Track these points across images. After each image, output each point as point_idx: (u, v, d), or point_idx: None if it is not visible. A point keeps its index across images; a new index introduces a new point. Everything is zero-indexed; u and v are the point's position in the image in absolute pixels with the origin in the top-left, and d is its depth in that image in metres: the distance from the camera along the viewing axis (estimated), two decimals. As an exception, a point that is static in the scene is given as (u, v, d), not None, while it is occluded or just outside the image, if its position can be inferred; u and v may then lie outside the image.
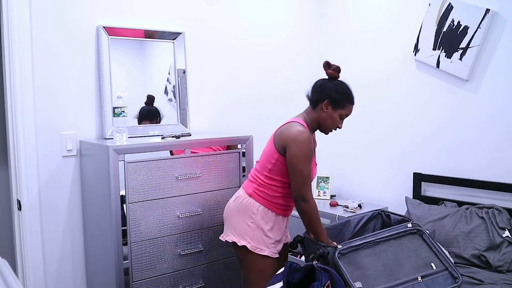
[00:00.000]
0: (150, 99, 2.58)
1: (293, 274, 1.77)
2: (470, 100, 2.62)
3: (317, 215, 1.94)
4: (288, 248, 2.19)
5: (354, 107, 2.05)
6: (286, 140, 1.93)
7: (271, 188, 1.99)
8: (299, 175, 1.90)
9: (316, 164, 2.11)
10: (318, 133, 2.11)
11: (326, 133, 2.08)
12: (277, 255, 2.03)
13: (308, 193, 1.92)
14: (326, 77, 2.04)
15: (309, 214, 1.93)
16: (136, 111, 2.53)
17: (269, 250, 2.00)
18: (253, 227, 1.99)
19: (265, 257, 1.99)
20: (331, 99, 1.98)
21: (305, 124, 1.99)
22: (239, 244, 2.00)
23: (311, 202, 1.92)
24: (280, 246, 2.06)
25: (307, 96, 2.06)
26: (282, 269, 1.79)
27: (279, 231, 2.04)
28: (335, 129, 2.05)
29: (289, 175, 1.94)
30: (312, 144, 1.97)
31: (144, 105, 2.56)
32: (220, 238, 2.13)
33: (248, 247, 1.98)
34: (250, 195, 2.02)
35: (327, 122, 2.01)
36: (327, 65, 2.04)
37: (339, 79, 2.03)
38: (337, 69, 2.03)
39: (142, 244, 2.13)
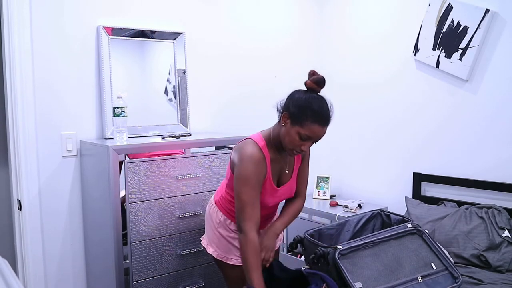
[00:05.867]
0: None
1: (280, 270, 1.77)
2: (470, 100, 2.62)
3: (251, 255, 1.66)
4: (277, 256, 2.10)
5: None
6: (234, 161, 1.76)
7: (230, 202, 1.85)
8: (237, 199, 1.71)
9: (274, 186, 1.82)
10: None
11: (289, 154, 1.77)
12: None
13: (245, 224, 1.68)
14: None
15: (242, 248, 1.69)
16: (136, 111, 2.52)
17: (238, 258, 1.87)
18: (218, 235, 1.90)
19: (235, 266, 1.88)
20: (289, 111, 1.67)
21: (263, 143, 1.76)
22: (208, 251, 1.94)
23: (247, 235, 1.67)
24: None
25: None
26: None
27: None
28: (299, 152, 1.71)
29: None
30: (262, 168, 1.72)
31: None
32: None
33: (214, 256, 1.92)
34: (215, 203, 1.93)
35: (285, 139, 1.69)
36: (310, 74, 1.72)
37: (319, 93, 1.71)
38: (317, 81, 1.67)
39: (142, 244, 2.13)
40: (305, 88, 1.72)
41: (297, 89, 1.75)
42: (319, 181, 3.30)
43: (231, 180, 1.81)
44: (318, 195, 3.26)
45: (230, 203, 1.85)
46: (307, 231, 2.11)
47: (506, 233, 2.26)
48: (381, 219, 2.24)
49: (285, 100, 1.75)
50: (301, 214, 2.94)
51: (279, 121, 1.77)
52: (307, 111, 1.64)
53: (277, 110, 1.79)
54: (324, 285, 1.67)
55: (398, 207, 2.90)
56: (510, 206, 2.43)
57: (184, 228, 2.26)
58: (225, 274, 1.97)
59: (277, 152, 1.81)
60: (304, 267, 1.83)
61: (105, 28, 2.40)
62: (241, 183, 1.70)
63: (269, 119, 2.51)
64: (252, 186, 1.70)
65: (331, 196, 3.27)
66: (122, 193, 2.10)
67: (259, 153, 1.72)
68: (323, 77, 1.69)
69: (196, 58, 2.78)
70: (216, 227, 1.91)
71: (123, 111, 2.24)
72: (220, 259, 1.91)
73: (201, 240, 2.06)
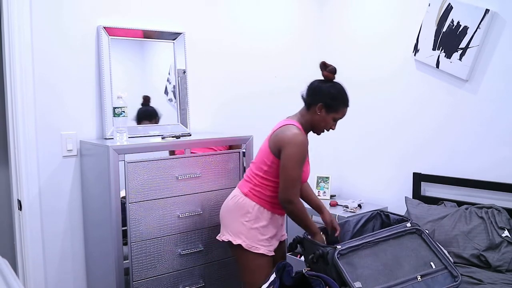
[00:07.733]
0: (146, 100, 2.57)
1: (287, 275, 1.78)
2: (470, 100, 2.62)
3: (305, 214, 1.98)
4: (285, 247, 2.19)
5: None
6: (281, 143, 1.93)
7: (267, 188, 2.00)
8: (289, 179, 1.91)
9: (309, 163, 2.11)
10: (313, 133, 2.11)
11: (318, 134, 2.09)
12: (272, 253, 2.05)
13: (294, 196, 1.93)
14: (322, 78, 2.04)
15: (296, 215, 1.97)
16: (135, 111, 2.53)
17: (264, 248, 2.01)
18: (248, 226, 2.00)
19: (260, 255, 2.00)
20: (325, 103, 1.97)
21: (300, 126, 1.99)
22: (234, 243, 2.01)
23: (296, 204, 1.94)
24: (274, 243, 2.07)
25: (302, 97, 2.06)
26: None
27: (274, 229, 2.05)
28: (328, 130, 2.06)
29: (279, 175, 1.94)
30: (307, 147, 1.98)
31: (141, 106, 2.56)
32: (217, 238, 2.14)
33: (243, 246, 1.99)
34: (245, 195, 2.03)
35: (320, 125, 2.02)
36: (323, 66, 2.03)
37: (334, 80, 2.02)
38: (333, 70, 2.01)
39: (142, 244, 2.13)
40: (322, 78, 2.03)
41: (316, 80, 2.04)
42: (319, 181, 3.30)
43: (274, 166, 1.96)
44: (318, 195, 3.26)
45: (267, 189, 2.00)
46: (307, 231, 2.12)
47: (506, 233, 2.26)
48: (381, 219, 2.24)
49: (309, 91, 2.02)
50: (301, 214, 2.95)
51: (307, 110, 2.02)
52: (339, 100, 1.99)
53: (304, 100, 2.05)
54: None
55: (398, 207, 2.90)
56: (510, 206, 2.43)
57: (184, 228, 2.26)
58: (249, 265, 2.03)
59: (306, 134, 2.06)
60: (305, 269, 1.83)
61: (105, 28, 2.40)
62: (294, 163, 1.92)
63: (270, 119, 2.52)
64: (300, 165, 1.94)
65: (331, 196, 3.27)
66: (122, 193, 2.10)
67: (305, 137, 1.98)
68: (335, 66, 2.02)
69: (196, 58, 2.78)
70: (248, 217, 2.00)
71: (123, 111, 2.24)
72: (248, 249, 1.99)
73: (220, 238, 2.11)
